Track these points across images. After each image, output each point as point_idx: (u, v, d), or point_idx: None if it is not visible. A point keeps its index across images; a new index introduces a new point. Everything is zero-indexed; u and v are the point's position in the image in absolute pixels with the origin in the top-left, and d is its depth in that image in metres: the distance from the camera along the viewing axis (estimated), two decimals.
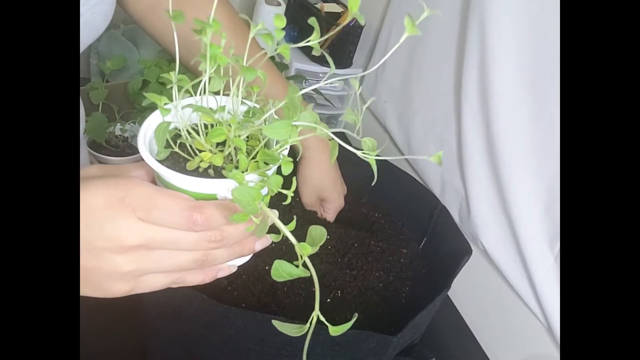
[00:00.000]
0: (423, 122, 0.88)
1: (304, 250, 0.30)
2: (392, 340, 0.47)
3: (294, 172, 0.31)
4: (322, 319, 0.30)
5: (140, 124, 0.87)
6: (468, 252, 0.60)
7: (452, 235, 0.65)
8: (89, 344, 0.51)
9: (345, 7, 1.09)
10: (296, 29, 1.12)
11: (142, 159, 0.30)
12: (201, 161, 0.32)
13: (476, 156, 0.74)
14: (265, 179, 0.30)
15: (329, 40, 1.07)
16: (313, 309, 0.58)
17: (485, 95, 0.70)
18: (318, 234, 0.31)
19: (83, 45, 0.43)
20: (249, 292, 0.55)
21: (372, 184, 0.34)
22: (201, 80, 0.33)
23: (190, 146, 0.33)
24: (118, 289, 0.30)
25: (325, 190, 0.64)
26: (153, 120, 0.34)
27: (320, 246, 0.68)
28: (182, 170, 0.31)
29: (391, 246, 0.68)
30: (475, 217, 0.76)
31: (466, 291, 0.82)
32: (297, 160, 0.45)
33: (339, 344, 0.47)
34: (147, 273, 0.30)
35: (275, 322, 0.31)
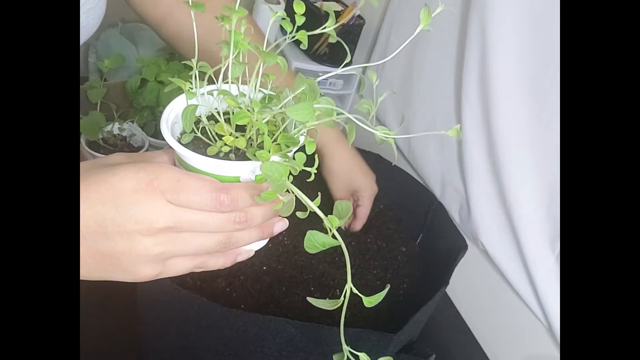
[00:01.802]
0: (423, 122, 0.88)
1: (333, 222, 0.31)
2: (393, 338, 0.47)
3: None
4: (355, 290, 0.32)
5: (139, 123, 0.87)
6: (464, 248, 0.60)
7: (448, 232, 0.65)
8: (89, 345, 0.51)
9: (345, 5, 1.09)
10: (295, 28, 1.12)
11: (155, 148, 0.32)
12: (223, 145, 0.32)
13: (476, 156, 0.74)
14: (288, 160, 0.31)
15: (328, 40, 1.07)
16: (311, 309, 0.58)
17: (485, 95, 0.69)
18: (344, 207, 0.32)
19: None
20: (248, 293, 0.55)
21: (393, 163, 0.35)
22: (221, 67, 0.33)
23: (211, 131, 0.33)
24: (146, 272, 0.30)
25: (356, 178, 0.62)
26: (175, 105, 0.35)
27: None
28: (204, 154, 0.32)
29: (388, 244, 0.68)
30: (476, 217, 0.76)
31: (466, 291, 0.82)
32: (318, 160, 0.43)
33: (339, 343, 0.47)
34: (174, 256, 0.31)
35: (310, 299, 0.33)
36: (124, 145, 0.87)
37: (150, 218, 0.28)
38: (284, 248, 0.62)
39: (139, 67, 0.88)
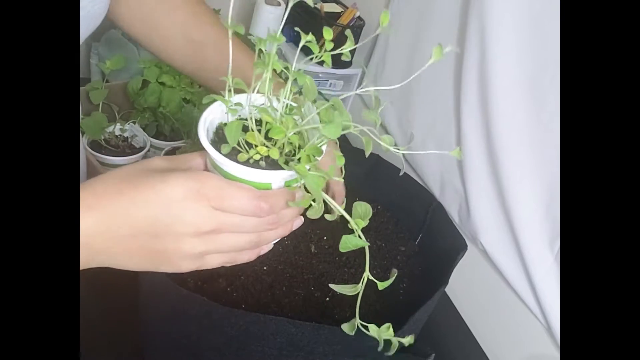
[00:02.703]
0: (423, 122, 0.88)
1: (359, 224, 0.34)
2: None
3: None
4: (372, 278, 0.36)
5: (140, 124, 0.87)
6: (464, 247, 0.60)
7: (448, 232, 0.65)
8: (89, 345, 0.51)
9: (345, 6, 1.09)
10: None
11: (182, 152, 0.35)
12: (255, 154, 0.36)
13: (476, 156, 0.74)
14: (325, 170, 0.35)
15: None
16: (312, 309, 0.59)
17: (485, 96, 0.70)
18: (363, 209, 0.35)
19: (83, 36, 0.45)
20: (248, 293, 0.55)
21: (401, 173, 0.42)
22: (253, 83, 0.38)
23: (241, 140, 0.36)
24: (188, 266, 0.35)
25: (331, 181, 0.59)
26: (209, 114, 0.38)
27: (318, 246, 0.69)
28: (235, 161, 0.35)
29: (387, 244, 0.68)
30: (475, 217, 0.76)
31: (465, 291, 0.82)
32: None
33: (340, 342, 0.47)
34: (212, 253, 0.35)
35: (332, 285, 0.38)
36: (126, 146, 0.87)
37: (198, 222, 0.32)
38: (284, 248, 0.62)
39: (141, 69, 0.88)
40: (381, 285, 0.36)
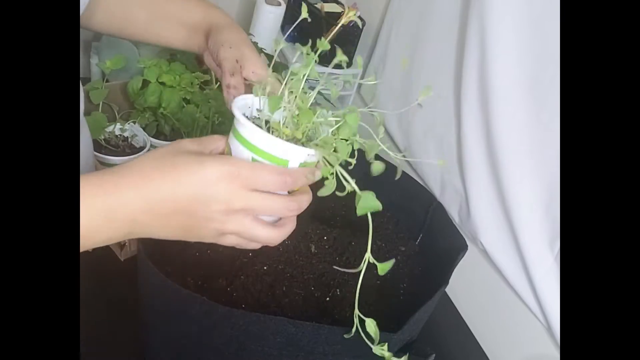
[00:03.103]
0: (423, 122, 0.88)
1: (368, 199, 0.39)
2: (393, 337, 0.47)
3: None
4: (373, 260, 0.39)
5: (140, 123, 0.88)
6: (464, 247, 0.60)
7: (448, 232, 0.65)
8: (89, 345, 0.51)
9: (345, 7, 1.10)
10: (296, 29, 1.12)
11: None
12: (280, 134, 0.40)
13: (476, 156, 0.74)
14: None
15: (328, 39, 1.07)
16: (312, 309, 0.59)
17: (485, 95, 0.70)
18: (377, 168, 0.40)
19: (83, 5, 0.47)
20: (249, 293, 0.55)
21: (397, 177, 0.45)
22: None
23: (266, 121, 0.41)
24: (209, 238, 0.38)
25: (250, 48, 0.52)
26: (242, 100, 0.42)
27: (318, 246, 0.69)
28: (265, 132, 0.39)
29: (387, 244, 0.68)
30: (475, 217, 0.76)
31: (465, 291, 0.82)
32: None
33: (340, 342, 0.47)
34: (233, 234, 0.38)
35: (337, 267, 0.42)
36: (126, 146, 0.87)
37: (229, 200, 0.36)
38: (284, 248, 0.62)
39: (141, 69, 0.88)
40: (381, 269, 0.39)
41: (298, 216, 0.40)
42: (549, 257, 0.66)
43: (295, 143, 0.39)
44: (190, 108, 0.87)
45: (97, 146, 0.83)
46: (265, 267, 0.59)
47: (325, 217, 0.70)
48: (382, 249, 0.67)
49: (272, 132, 0.40)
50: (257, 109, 0.43)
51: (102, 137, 0.84)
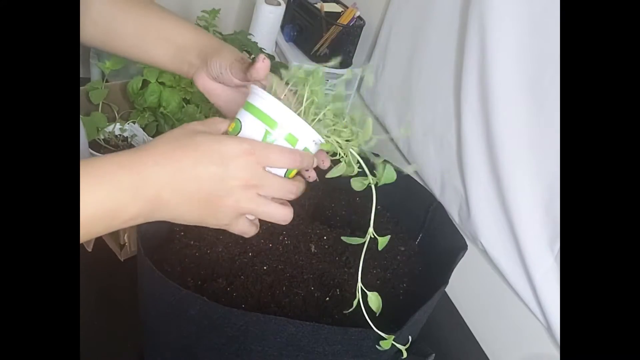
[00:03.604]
0: (423, 122, 0.88)
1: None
2: (393, 337, 0.47)
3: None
4: (374, 234, 0.44)
5: (140, 124, 0.88)
6: (464, 247, 0.60)
7: (448, 232, 0.65)
8: (89, 345, 0.51)
9: (345, 6, 1.09)
10: (296, 29, 1.12)
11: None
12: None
13: (476, 156, 0.74)
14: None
15: (328, 40, 1.07)
16: (312, 308, 0.58)
17: (485, 95, 0.70)
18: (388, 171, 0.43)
19: None
20: (248, 293, 0.55)
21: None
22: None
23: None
24: (225, 221, 0.41)
25: (213, 47, 0.51)
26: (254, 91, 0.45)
27: (318, 246, 0.69)
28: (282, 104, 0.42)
29: (388, 244, 0.68)
30: (475, 217, 0.76)
31: (465, 291, 0.82)
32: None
33: (340, 342, 0.47)
34: (246, 213, 0.41)
35: (344, 238, 0.47)
36: (125, 146, 0.87)
37: (247, 176, 0.39)
38: (284, 248, 0.62)
39: (141, 69, 0.88)
40: (381, 243, 0.44)
41: (298, 216, 0.43)
42: (549, 257, 0.66)
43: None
44: (190, 108, 0.87)
45: (97, 146, 0.83)
46: (265, 267, 0.59)
47: (325, 217, 0.70)
48: (382, 249, 0.67)
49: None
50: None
51: (102, 137, 0.84)
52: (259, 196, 0.40)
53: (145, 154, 0.36)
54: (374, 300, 0.43)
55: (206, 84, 0.51)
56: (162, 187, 0.36)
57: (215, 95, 0.52)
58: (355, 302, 0.43)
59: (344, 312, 0.44)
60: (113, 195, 0.34)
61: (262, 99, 0.41)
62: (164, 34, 0.51)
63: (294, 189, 0.42)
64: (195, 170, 0.37)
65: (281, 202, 0.43)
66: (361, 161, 0.42)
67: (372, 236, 0.43)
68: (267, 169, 0.41)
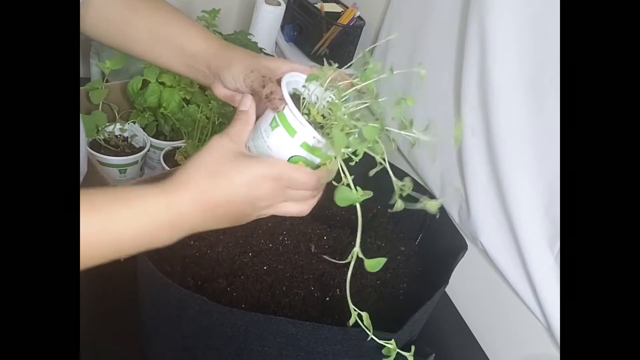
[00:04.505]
0: (423, 122, 0.88)
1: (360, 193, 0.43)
2: (393, 337, 0.47)
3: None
4: (362, 255, 0.43)
5: (140, 123, 0.88)
6: (464, 247, 0.60)
7: (448, 232, 0.65)
8: (89, 345, 0.51)
9: (345, 6, 1.09)
10: (296, 29, 1.12)
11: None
12: (309, 115, 0.44)
13: (476, 156, 0.74)
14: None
15: (329, 40, 1.07)
16: (312, 309, 0.58)
17: (485, 96, 0.70)
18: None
19: None
20: (248, 293, 0.55)
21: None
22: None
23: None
24: (249, 220, 0.44)
25: (263, 58, 0.50)
26: (290, 77, 0.46)
27: (318, 246, 0.68)
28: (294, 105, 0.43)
29: (387, 244, 0.68)
30: (475, 217, 0.76)
31: (466, 291, 0.82)
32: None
33: (340, 342, 0.47)
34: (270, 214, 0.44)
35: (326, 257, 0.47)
36: (126, 146, 0.87)
37: (273, 198, 0.42)
38: (284, 248, 0.62)
39: (141, 69, 0.88)
40: (369, 266, 0.43)
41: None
42: (549, 257, 0.66)
43: (315, 128, 0.43)
44: (190, 108, 0.87)
45: (97, 146, 0.83)
46: (265, 267, 0.59)
47: (325, 217, 0.70)
48: (382, 249, 0.67)
49: (307, 110, 0.44)
50: (303, 86, 0.46)
51: (102, 137, 0.84)
52: (281, 204, 0.44)
53: (182, 190, 0.39)
54: (366, 320, 0.44)
55: (225, 93, 0.51)
56: (195, 217, 0.40)
57: (236, 101, 0.51)
58: (352, 320, 0.44)
59: (347, 325, 0.44)
60: (153, 231, 0.38)
61: (293, 111, 0.42)
62: (175, 41, 0.51)
63: (314, 193, 0.45)
64: (226, 199, 0.40)
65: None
66: (347, 172, 0.42)
67: (359, 257, 0.44)
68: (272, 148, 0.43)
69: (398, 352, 0.47)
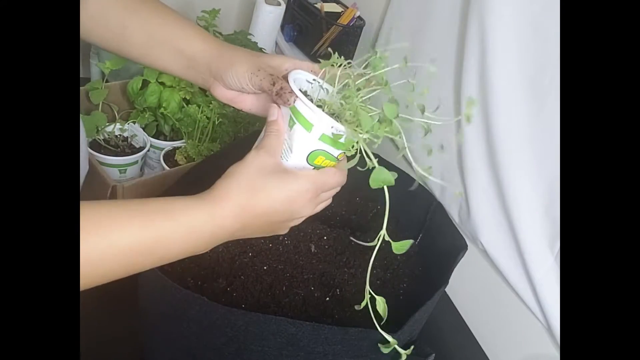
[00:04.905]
0: (423, 123, 0.88)
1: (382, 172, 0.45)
2: (393, 337, 0.47)
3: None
4: (388, 238, 0.46)
5: (140, 123, 0.88)
6: (464, 247, 0.60)
7: (448, 232, 0.65)
8: (89, 345, 0.51)
9: (345, 6, 1.10)
10: (296, 29, 1.12)
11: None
12: (323, 107, 0.45)
13: (476, 156, 0.74)
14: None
15: (329, 40, 1.07)
16: (312, 309, 0.58)
17: (485, 95, 0.70)
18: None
19: None
20: (248, 293, 0.55)
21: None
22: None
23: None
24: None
25: (265, 56, 0.50)
26: (297, 74, 0.47)
27: (318, 246, 0.68)
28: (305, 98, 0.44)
29: (388, 244, 0.68)
30: (475, 217, 0.76)
31: (466, 291, 0.82)
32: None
33: (340, 342, 0.47)
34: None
35: (353, 238, 0.52)
36: (126, 146, 0.87)
37: (308, 212, 0.46)
38: (284, 248, 0.62)
39: (141, 69, 0.88)
40: (396, 248, 0.45)
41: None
42: (549, 257, 0.66)
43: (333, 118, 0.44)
44: (190, 108, 0.87)
45: (97, 146, 0.83)
46: (265, 267, 0.59)
47: (325, 217, 0.70)
48: (382, 249, 0.67)
49: (319, 105, 0.45)
50: (309, 81, 0.48)
51: (102, 137, 0.84)
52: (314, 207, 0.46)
53: (224, 203, 0.41)
54: (381, 305, 0.44)
55: (226, 95, 0.50)
56: (234, 231, 0.42)
57: (240, 102, 0.51)
58: (363, 304, 0.45)
59: (355, 307, 0.45)
60: (193, 241, 0.40)
61: (306, 104, 0.43)
62: (173, 43, 0.50)
63: (335, 190, 0.48)
64: (265, 212, 0.42)
65: None
66: (371, 155, 0.43)
67: (385, 240, 0.46)
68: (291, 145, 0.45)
69: (398, 352, 0.47)
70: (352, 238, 0.46)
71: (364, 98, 0.45)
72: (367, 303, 0.44)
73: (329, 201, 0.49)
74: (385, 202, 0.44)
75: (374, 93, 0.45)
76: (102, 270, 0.37)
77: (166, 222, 0.38)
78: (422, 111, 0.46)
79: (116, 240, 0.36)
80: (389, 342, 0.45)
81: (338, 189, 0.48)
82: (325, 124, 0.43)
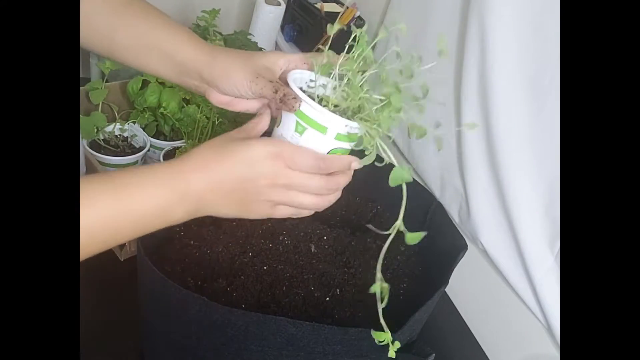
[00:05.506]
0: (423, 122, 0.88)
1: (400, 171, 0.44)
2: (393, 337, 0.47)
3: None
4: (403, 229, 0.45)
5: (140, 123, 0.88)
6: (464, 247, 0.60)
7: (448, 232, 0.65)
8: (89, 345, 0.51)
9: (345, 6, 1.09)
10: (296, 29, 1.12)
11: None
12: (327, 104, 0.44)
13: (476, 156, 0.74)
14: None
15: (329, 40, 1.07)
16: (312, 309, 0.58)
17: (485, 95, 0.70)
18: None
19: None
20: (248, 293, 0.55)
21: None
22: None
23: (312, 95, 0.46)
24: (264, 211, 0.45)
25: (257, 57, 0.49)
26: (296, 74, 0.47)
27: (318, 246, 0.68)
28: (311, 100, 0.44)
29: (388, 247, 0.68)
30: (475, 217, 0.76)
31: (466, 291, 0.82)
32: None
33: (340, 342, 0.47)
34: (282, 204, 0.45)
35: (370, 225, 0.47)
36: (126, 146, 0.87)
37: (274, 176, 0.42)
38: (284, 248, 0.62)
39: None
40: (410, 238, 0.45)
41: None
42: (549, 257, 0.66)
43: (341, 115, 0.43)
44: (190, 108, 0.87)
45: (96, 146, 0.83)
46: (265, 267, 0.59)
47: (325, 217, 0.70)
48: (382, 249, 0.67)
49: (321, 102, 0.44)
50: (310, 80, 0.48)
51: (102, 137, 0.84)
52: (288, 191, 0.44)
53: (188, 163, 0.42)
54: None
55: (221, 99, 0.50)
56: (203, 190, 0.41)
57: (236, 105, 0.51)
58: (374, 288, 0.44)
59: (368, 292, 0.44)
60: (167, 197, 0.40)
61: (307, 102, 0.43)
62: (163, 48, 0.49)
63: (332, 185, 0.45)
64: (229, 174, 0.42)
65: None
66: (388, 151, 0.43)
67: (400, 230, 0.46)
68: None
69: (398, 352, 0.47)
70: (369, 225, 0.47)
71: (361, 84, 0.45)
72: (379, 289, 0.44)
73: (317, 201, 0.45)
74: (403, 198, 0.46)
75: (368, 74, 0.46)
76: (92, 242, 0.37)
77: (136, 187, 0.39)
78: (425, 94, 0.48)
79: (88, 215, 0.35)
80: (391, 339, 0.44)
81: (320, 184, 0.44)
82: (339, 124, 0.43)
